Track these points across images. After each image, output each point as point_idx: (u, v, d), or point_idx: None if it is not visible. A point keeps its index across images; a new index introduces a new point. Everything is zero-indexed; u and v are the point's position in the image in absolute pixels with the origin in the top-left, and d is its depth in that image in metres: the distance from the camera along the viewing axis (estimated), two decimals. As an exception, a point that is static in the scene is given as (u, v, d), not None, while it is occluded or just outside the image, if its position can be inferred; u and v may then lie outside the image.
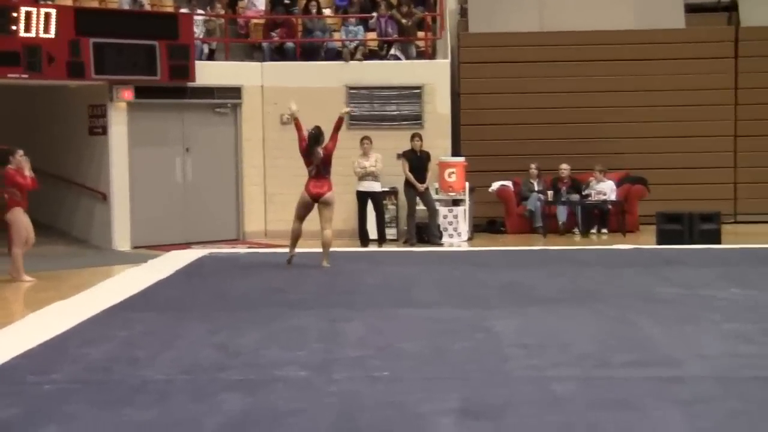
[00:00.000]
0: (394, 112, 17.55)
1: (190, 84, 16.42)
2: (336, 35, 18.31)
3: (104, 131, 16.15)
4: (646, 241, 15.66)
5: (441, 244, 16.20)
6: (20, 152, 12.34)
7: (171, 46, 16.01)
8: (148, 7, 17.23)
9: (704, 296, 10.28)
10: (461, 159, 17.15)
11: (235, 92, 17.19)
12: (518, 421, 5.88)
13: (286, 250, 13.39)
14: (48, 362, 7.53)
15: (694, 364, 7.23)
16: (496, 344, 8.00)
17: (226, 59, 17.62)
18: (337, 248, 15.08)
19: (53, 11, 14.97)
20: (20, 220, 12.27)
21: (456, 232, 16.76)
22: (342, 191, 16.55)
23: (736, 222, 18.23)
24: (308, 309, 9.78)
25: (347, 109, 14.13)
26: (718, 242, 15.26)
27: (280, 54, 17.92)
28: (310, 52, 18.00)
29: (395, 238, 16.70)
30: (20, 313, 10.17)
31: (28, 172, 12.30)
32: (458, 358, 7.52)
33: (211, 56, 17.54)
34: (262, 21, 18.38)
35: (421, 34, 18.14)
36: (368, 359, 7.49)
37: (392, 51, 17.90)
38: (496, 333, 8.46)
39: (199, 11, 17.67)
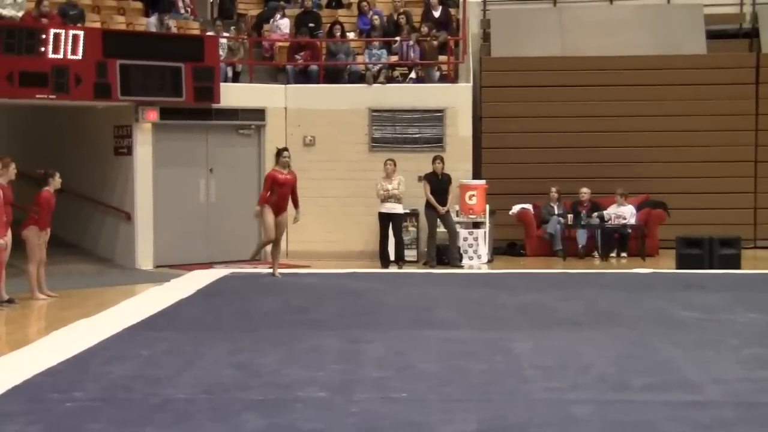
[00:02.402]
0: (416, 135, 17.62)
1: (215, 105, 16.55)
2: (359, 58, 18.43)
3: (129, 151, 16.30)
4: (665, 266, 15.65)
5: (461, 266, 16.24)
6: (58, 175, 12.61)
7: (196, 68, 16.15)
8: (174, 30, 17.41)
9: (723, 321, 10.29)
10: (482, 182, 17.19)
11: (259, 114, 17.31)
12: (536, 443, 5.93)
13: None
14: (70, 380, 7.61)
15: (713, 388, 7.25)
16: (516, 366, 8.04)
17: (251, 81, 17.77)
18: (359, 269, 15.21)
19: (81, 33, 15.15)
20: (36, 238, 12.39)
21: (476, 255, 16.79)
22: (363, 212, 16.72)
23: (756, 247, 18.16)
24: (329, 329, 9.84)
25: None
26: (738, 267, 15.24)
27: (303, 76, 18.05)
28: (333, 75, 18.13)
29: (415, 259, 16.74)
30: (44, 331, 10.26)
31: None
32: (477, 379, 7.56)
33: (235, 78, 17.69)
34: (286, 44, 18.53)
35: (443, 57, 18.24)
36: (388, 380, 7.54)
37: (411, 75, 18.02)
38: (516, 355, 8.50)
39: (225, 34, 17.84)
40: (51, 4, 16.15)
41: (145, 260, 16.22)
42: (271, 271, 14.51)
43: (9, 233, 11.96)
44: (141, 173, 16.24)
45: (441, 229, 16.39)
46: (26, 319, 11.35)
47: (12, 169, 12.10)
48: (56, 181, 12.55)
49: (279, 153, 14.60)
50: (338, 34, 18.43)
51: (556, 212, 17.62)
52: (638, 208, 17.63)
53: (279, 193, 14.24)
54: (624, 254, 17.30)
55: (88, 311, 11.13)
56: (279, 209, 14.29)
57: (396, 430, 6.17)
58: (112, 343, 9.21)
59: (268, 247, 14.77)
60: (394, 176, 16.13)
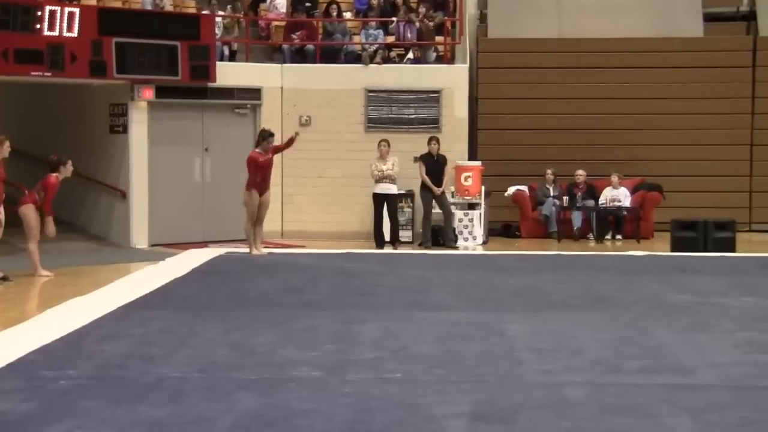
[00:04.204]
0: (412, 116, 17.61)
1: (211, 84, 16.51)
2: (356, 38, 18.38)
3: (125, 130, 16.27)
4: (660, 248, 15.67)
5: (456, 248, 16.25)
6: (70, 163, 12.66)
7: (192, 47, 16.11)
8: (170, 8, 17.33)
9: (718, 304, 10.29)
10: (478, 163, 17.19)
11: (255, 93, 17.28)
12: (530, 425, 5.92)
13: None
14: (64, 358, 7.61)
15: (707, 372, 7.25)
16: (510, 348, 8.04)
17: (247, 60, 17.72)
18: (354, 249, 15.21)
19: (77, 11, 15.10)
20: (33, 217, 12.40)
21: (471, 236, 16.80)
22: (358, 193, 16.73)
23: (750, 230, 18.19)
24: (323, 310, 9.84)
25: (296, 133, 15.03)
26: (733, 250, 15.25)
27: (300, 56, 18.01)
28: (330, 55, 18.08)
29: (410, 240, 16.75)
30: (38, 309, 10.25)
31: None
32: (471, 361, 7.56)
33: (232, 57, 17.64)
34: (283, 23, 18.47)
35: (440, 38, 18.19)
36: (382, 361, 7.54)
37: (408, 55, 18.00)
38: (510, 337, 8.50)
39: (221, 13, 17.77)
40: (47, -20, 16.09)
41: (140, 239, 16.22)
42: (248, 251, 14.49)
43: (2, 211, 11.95)
44: (136, 152, 16.23)
45: (436, 210, 16.39)
46: (20, 296, 11.34)
47: (6, 147, 12.08)
48: (67, 169, 12.65)
49: (264, 137, 14.42)
50: (335, 13, 18.38)
51: (551, 194, 17.62)
52: (633, 191, 17.64)
53: (261, 175, 14.29)
54: (619, 237, 17.31)
55: (83, 289, 11.12)
56: (263, 189, 14.33)
57: (389, 411, 6.18)
58: (106, 322, 9.20)
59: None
60: (389, 157, 16.12)
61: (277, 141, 14.72)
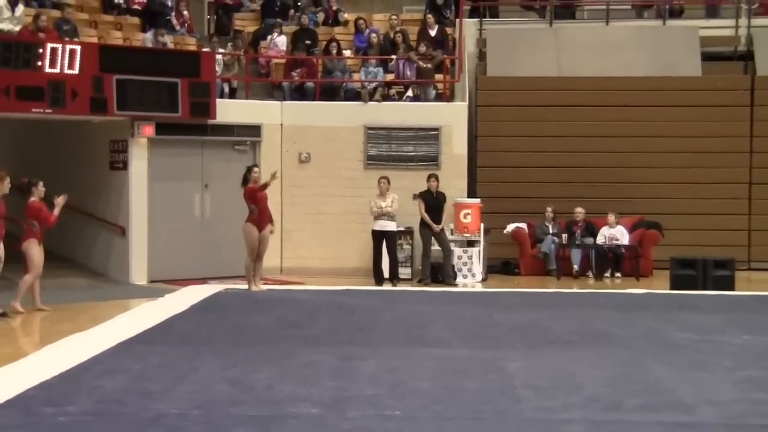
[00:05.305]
0: (412, 153, 17.67)
1: (211, 121, 16.58)
2: (355, 76, 18.48)
3: (125, 166, 16.31)
4: (659, 286, 15.67)
5: (455, 285, 16.23)
6: (41, 184, 12.57)
7: (192, 84, 16.18)
8: (170, 45, 17.44)
9: (717, 342, 10.29)
10: (477, 200, 17.22)
11: (254, 130, 17.34)
12: (528, 461, 5.93)
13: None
14: (63, 394, 7.61)
15: (706, 410, 7.25)
16: (508, 385, 8.04)
17: (247, 98, 17.80)
18: (353, 286, 15.20)
19: (78, 48, 15.19)
20: (36, 251, 12.41)
21: (470, 273, 16.80)
22: (358, 230, 16.74)
23: (749, 269, 18.17)
24: (322, 346, 9.84)
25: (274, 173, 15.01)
26: (732, 289, 15.25)
27: (300, 93, 18.10)
28: (329, 92, 18.17)
29: (410, 277, 16.74)
30: (37, 345, 10.24)
31: (57, 211, 12.57)
32: (470, 398, 7.56)
33: (232, 94, 17.72)
34: (283, 61, 18.58)
35: (439, 76, 18.29)
36: (381, 397, 7.53)
37: (408, 93, 18.09)
38: (509, 374, 8.50)
39: (221, 50, 17.87)
40: (48, 18, 16.20)
41: (139, 275, 16.21)
42: (247, 287, 14.59)
43: (2, 247, 11.95)
44: (136, 188, 16.25)
45: (436, 247, 16.40)
46: (19, 332, 11.33)
47: (6, 183, 12.11)
48: (39, 190, 12.55)
49: (249, 170, 14.80)
50: (334, 51, 18.50)
51: (550, 231, 17.63)
52: (633, 229, 17.66)
53: (260, 208, 14.44)
54: (618, 274, 17.30)
55: (82, 325, 11.11)
56: (262, 224, 14.48)
57: (389, 448, 6.17)
58: (105, 357, 9.20)
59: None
60: (388, 194, 16.15)
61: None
